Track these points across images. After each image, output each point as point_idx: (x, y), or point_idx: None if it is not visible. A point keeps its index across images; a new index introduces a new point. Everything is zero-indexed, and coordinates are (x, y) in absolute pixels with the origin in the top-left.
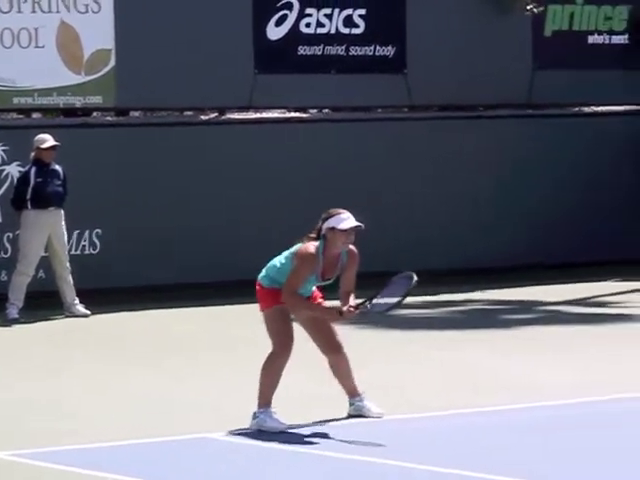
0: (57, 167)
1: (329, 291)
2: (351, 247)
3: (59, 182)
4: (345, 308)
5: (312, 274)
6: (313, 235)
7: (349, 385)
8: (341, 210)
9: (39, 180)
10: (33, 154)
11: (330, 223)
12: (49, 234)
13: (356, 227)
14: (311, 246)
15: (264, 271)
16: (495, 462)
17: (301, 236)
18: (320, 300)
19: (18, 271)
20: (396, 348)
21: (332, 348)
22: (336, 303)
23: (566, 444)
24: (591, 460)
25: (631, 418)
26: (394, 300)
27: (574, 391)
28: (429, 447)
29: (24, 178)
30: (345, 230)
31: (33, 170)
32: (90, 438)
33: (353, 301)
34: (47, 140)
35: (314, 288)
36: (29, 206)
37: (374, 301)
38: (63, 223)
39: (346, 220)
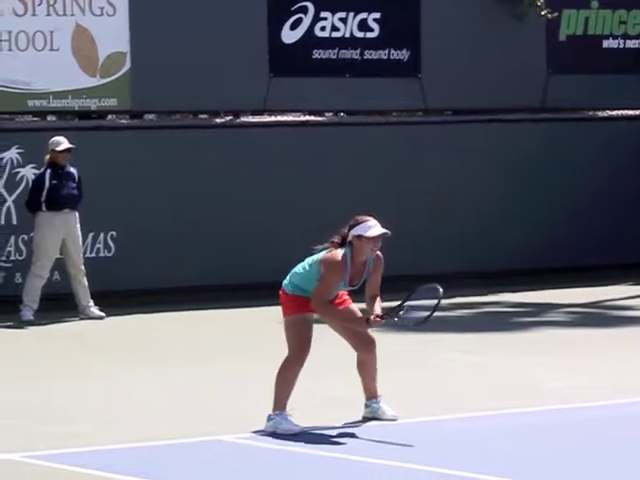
0: (72, 169)
1: (354, 293)
2: (377, 252)
3: (74, 185)
4: (372, 317)
5: (341, 281)
6: (337, 241)
7: (370, 385)
8: (367, 217)
9: (54, 182)
10: (48, 157)
11: (357, 231)
12: (63, 236)
13: (383, 234)
14: (339, 254)
15: (288, 278)
16: (504, 466)
17: (322, 241)
18: (347, 298)
19: (32, 273)
20: (409, 351)
21: (366, 343)
22: (362, 306)
23: (582, 447)
24: (603, 464)
25: None
26: (423, 315)
27: (590, 395)
28: (441, 450)
29: (39, 181)
30: (373, 238)
31: (48, 172)
32: (103, 440)
33: (379, 309)
34: (62, 142)
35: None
36: (44, 208)
37: (401, 313)
38: (78, 225)
39: (373, 228)
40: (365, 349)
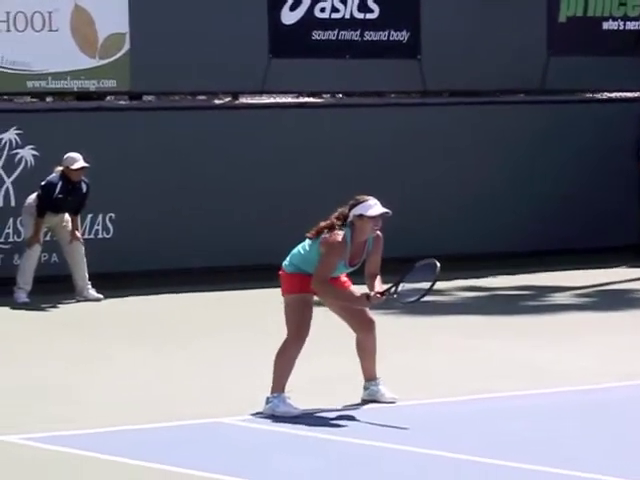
0: (82, 184)
1: (354, 275)
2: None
3: (79, 199)
4: (372, 293)
5: (340, 261)
6: (339, 222)
7: (369, 367)
8: (368, 197)
9: (60, 197)
10: (60, 168)
11: (358, 210)
12: (47, 225)
13: (384, 214)
14: (339, 235)
15: (288, 259)
16: (504, 448)
17: (319, 220)
18: (346, 280)
19: (25, 254)
20: (409, 334)
21: (365, 324)
22: (363, 288)
23: (585, 429)
24: (606, 445)
25: None
26: (421, 290)
27: (595, 377)
28: (442, 432)
29: (49, 190)
30: (374, 217)
31: (59, 186)
32: (101, 422)
33: (379, 287)
34: (77, 160)
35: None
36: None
37: (399, 289)
38: (66, 216)
39: (374, 207)
40: (365, 330)
